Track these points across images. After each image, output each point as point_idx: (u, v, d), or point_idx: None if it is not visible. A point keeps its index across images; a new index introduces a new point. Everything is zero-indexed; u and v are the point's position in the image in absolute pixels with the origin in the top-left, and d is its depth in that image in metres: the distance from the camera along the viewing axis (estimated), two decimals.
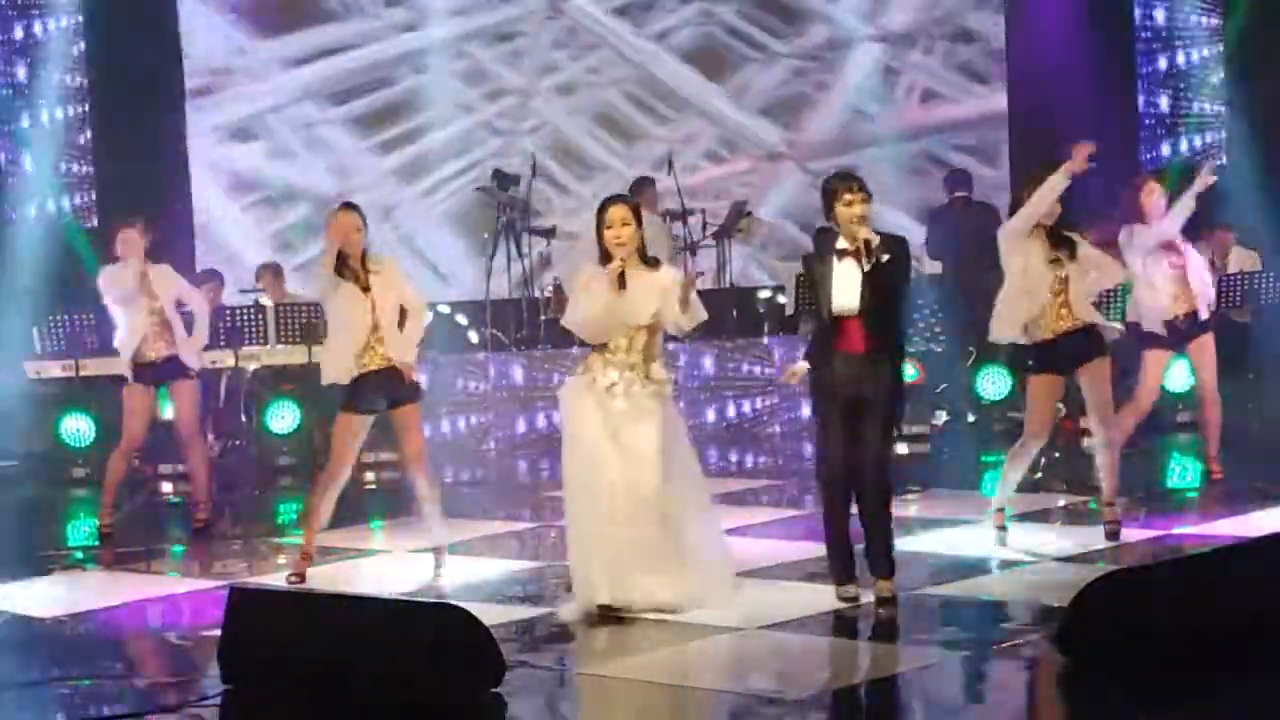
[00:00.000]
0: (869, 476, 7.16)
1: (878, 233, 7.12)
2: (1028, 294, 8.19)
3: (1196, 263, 9.73)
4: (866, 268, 7.02)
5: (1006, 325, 8.32)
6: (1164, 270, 9.59)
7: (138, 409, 9.83)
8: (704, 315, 7.36)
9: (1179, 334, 9.70)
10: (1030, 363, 8.41)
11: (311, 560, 8.33)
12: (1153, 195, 9.55)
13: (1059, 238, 8.28)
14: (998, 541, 8.36)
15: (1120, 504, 8.52)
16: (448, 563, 8.38)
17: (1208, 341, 9.81)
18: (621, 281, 7.19)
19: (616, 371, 7.21)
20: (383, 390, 8.17)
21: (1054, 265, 8.20)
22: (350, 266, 8.16)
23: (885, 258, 7.02)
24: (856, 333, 7.10)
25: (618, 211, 7.27)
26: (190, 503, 10.17)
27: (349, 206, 8.31)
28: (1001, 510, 8.50)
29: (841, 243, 7.14)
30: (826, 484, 7.28)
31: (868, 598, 7.19)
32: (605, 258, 7.27)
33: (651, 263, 7.35)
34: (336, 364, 8.19)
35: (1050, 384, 8.36)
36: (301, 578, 8.20)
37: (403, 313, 8.28)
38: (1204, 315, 9.69)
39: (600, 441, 7.15)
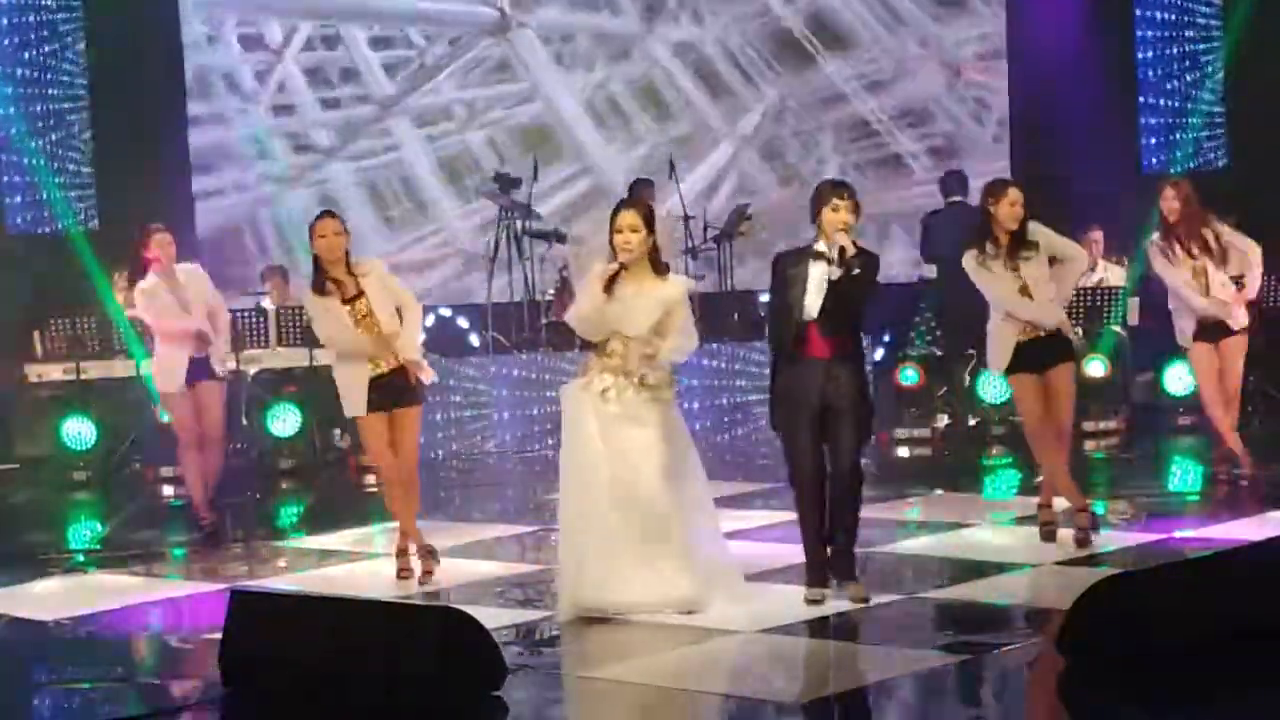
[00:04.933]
0: (844, 480, 7.18)
1: (855, 245, 7.12)
2: (1009, 321, 8.17)
3: (1216, 278, 9.75)
4: (835, 275, 7.04)
5: (1000, 358, 8.28)
6: (1185, 277, 9.68)
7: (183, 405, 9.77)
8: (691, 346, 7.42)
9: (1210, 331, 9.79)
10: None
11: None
12: (1168, 200, 9.58)
13: (1021, 243, 8.14)
14: (1044, 539, 8.33)
15: (1116, 510, 8.53)
16: (438, 566, 8.31)
17: (1231, 344, 9.87)
18: (609, 287, 7.16)
19: (610, 376, 7.19)
20: (391, 392, 8.17)
21: (1015, 276, 8.11)
22: (333, 277, 8.14)
23: (856, 270, 7.04)
24: (818, 338, 7.13)
25: (627, 217, 7.22)
26: (199, 504, 10.05)
27: (327, 213, 8.29)
28: (1049, 507, 8.43)
29: (820, 246, 7.15)
30: (802, 487, 7.25)
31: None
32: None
33: (662, 271, 7.29)
34: (354, 398, 8.16)
35: (1028, 381, 8.29)
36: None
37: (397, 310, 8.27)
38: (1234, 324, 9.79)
39: (594, 441, 7.14)
